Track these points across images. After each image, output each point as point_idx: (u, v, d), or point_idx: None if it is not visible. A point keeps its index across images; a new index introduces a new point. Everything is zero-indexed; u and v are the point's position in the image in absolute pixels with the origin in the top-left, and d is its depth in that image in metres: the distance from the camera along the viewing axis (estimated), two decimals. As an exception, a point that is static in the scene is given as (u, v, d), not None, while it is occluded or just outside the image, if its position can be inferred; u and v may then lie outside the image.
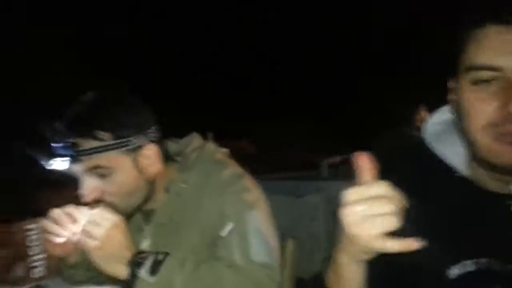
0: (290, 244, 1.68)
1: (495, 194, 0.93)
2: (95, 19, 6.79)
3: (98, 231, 1.27)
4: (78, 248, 1.32)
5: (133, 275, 1.27)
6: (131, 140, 1.38)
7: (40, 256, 1.71)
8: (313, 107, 7.60)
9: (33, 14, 6.32)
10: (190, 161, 1.50)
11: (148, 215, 1.51)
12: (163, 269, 1.27)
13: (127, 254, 1.29)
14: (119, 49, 6.90)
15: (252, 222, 1.38)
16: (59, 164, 1.37)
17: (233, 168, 1.48)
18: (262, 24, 7.63)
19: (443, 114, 1.04)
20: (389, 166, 0.82)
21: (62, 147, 1.35)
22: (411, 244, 0.77)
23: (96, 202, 1.39)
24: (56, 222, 1.33)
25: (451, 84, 0.97)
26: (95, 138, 1.35)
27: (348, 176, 0.84)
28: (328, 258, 0.94)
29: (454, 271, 0.90)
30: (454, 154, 0.98)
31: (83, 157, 1.35)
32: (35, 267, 1.70)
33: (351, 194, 0.78)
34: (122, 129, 1.37)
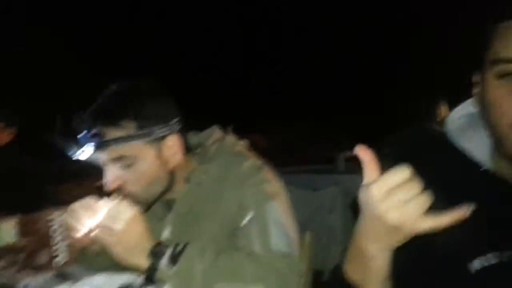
0: (307, 237, 1.69)
1: None
2: (95, 19, 6.83)
3: (117, 226, 1.28)
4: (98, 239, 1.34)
5: (154, 266, 1.29)
6: (154, 130, 1.40)
7: (63, 244, 1.76)
8: (330, 103, 7.58)
9: (33, 14, 6.37)
10: (210, 153, 1.52)
11: (168, 205, 1.53)
12: (182, 259, 1.29)
13: (147, 246, 1.30)
14: (119, 49, 6.95)
15: (272, 213, 1.39)
16: (84, 153, 1.39)
17: (253, 160, 1.49)
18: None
19: (466, 108, 1.03)
20: (413, 160, 0.82)
21: (87, 137, 1.37)
22: (454, 215, 0.77)
23: (117, 192, 1.42)
24: (76, 214, 1.35)
25: (475, 78, 0.96)
26: (120, 127, 1.37)
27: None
28: (345, 251, 0.95)
29: (477, 264, 0.90)
30: (478, 148, 0.98)
31: (107, 147, 1.37)
32: (58, 255, 1.75)
33: (376, 189, 0.79)
34: (146, 119, 1.39)
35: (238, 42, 8.06)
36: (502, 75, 0.87)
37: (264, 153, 1.59)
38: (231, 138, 1.57)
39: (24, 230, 1.74)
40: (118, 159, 1.39)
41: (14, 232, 1.71)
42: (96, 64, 6.53)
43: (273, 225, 1.37)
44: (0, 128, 3.41)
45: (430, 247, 0.85)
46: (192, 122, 1.56)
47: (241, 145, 1.57)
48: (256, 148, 1.61)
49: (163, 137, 1.42)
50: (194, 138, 1.58)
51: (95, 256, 1.51)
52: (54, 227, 1.75)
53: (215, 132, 1.58)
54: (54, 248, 1.74)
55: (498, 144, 0.91)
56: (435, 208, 0.78)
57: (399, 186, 0.77)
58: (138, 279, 1.40)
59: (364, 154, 0.82)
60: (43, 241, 1.75)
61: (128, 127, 1.37)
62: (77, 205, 1.35)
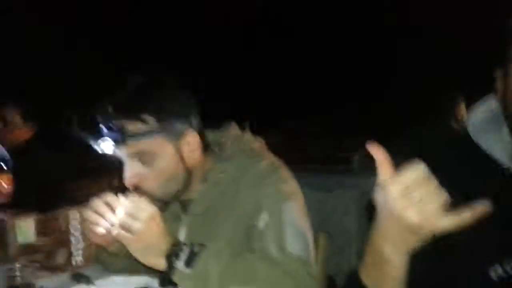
0: (321, 239, 1.69)
1: None
2: (95, 19, 6.87)
3: (136, 224, 1.28)
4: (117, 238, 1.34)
5: (171, 267, 1.29)
6: (175, 125, 1.40)
7: (81, 244, 1.78)
8: (343, 102, 7.52)
9: (33, 14, 6.42)
10: (228, 151, 1.50)
11: (185, 205, 1.52)
12: (199, 260, 1.28)
13: (165, 246, 1.30)
14: (119, 49, 6.98)
15: (288, 214, 1.38)
16: (105, 148, 1.39)
17: (270, 159, 1.48)
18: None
19: (486, 105, 1.01)
20: (433, 159, 0.81)
21: (109, 130, 1.37)
22: (476, 211, 0.75)
23: (135, 189, 1.42)
24: (96, 212, 1.35)
25: (498, 73, 0.95)
26: (140, 121, 1.36)
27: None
28: (361, 254, 0.94)
29: (498, 269, 0.89)
30: (498, 146, 0.96)
31: (128, 141, 1.37)
32: (76, 255, 1.77)
33: (393, 187, 0.77)
34: (166, 114, 1.39)
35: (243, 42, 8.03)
36: None
37: (276, 151, 1.57)
38: (248, 136, 1.55)
39: (43, 229, 1.76)
40: (137, 154, 1.39)
41: (33, 232, 1.73)
42: (112, 60, 6.54)
43: (289, 226, 1.36)
44: (18, 125, 3.29)
45: (449, 251, 0.84)
46: (221, 113, 1.53)
47: (259, 143, 1.56)
48: (270, 145, 1.59)
49: (183, 133, 1.42)
50: (211, 135, 1.56)
51: (112, 257, 1.52)
52: (73, 226, 1.77)
53: (232, 130, 1.56)
54: (72, 248, 1.76)
55: None
56: (453, 206, 0.76)
57: (416, 183, 0.76)
58: (155, 281, 1.41)
59: (377, 152, 0.81)
60: (61, 240, 1.78)
61: (149, 121, 1.37)
62: (96, 203, 1.35)
